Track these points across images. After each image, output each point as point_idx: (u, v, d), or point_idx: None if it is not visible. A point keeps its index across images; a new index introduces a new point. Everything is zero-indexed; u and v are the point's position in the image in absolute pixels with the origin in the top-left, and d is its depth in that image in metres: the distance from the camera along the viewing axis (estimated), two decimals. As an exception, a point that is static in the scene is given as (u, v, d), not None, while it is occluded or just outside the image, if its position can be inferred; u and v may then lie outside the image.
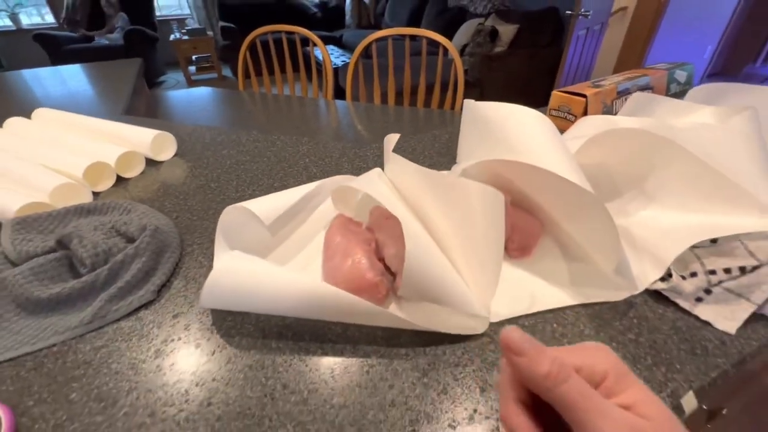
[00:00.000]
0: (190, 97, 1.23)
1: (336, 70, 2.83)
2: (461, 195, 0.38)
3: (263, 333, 0.36)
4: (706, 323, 0.36)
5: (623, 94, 0.73)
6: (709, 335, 0.35)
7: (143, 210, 0.50)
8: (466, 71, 2.64)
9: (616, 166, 0.51)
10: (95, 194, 0.60)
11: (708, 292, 0.37)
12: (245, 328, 0.37)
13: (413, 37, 1.30)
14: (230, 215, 0.43)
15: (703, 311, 0.36)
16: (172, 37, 3.87)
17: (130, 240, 0.44)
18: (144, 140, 0.66)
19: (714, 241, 0.39)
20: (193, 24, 4.20)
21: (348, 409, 0.30)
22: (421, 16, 3.69)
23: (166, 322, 0.38)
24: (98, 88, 1.11)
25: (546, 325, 0.36)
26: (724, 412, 0.55)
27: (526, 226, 0.45)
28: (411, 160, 0.41)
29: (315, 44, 1.36)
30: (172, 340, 0.36)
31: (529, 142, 0.42)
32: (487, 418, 0.29)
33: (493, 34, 2.57)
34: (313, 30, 1.46)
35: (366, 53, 1.38)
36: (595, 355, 0.19)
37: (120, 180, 0.63)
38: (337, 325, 0.37)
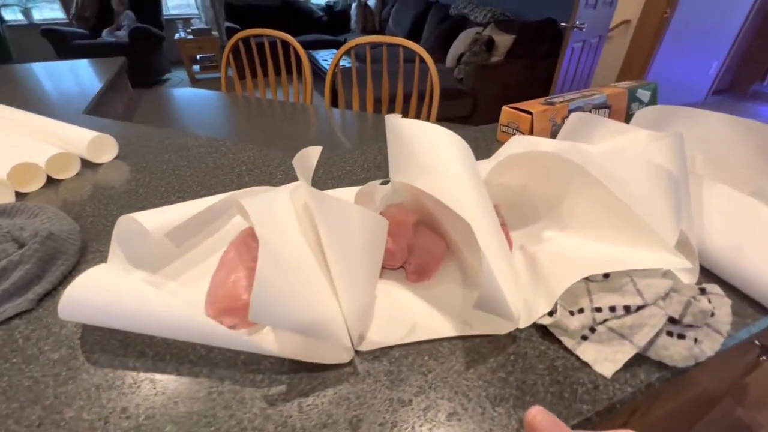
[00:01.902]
0: (173, 97, 1.23)
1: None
2: (345, 218, 0.37)
3: (126, 350, 0.35)
4: (586, 365, 0.34)
5: (575, 111, 0.71)
6: (584, 378, 0.33)
7: (50, 214, 0.49)
8: (461, 80, 2.62)
9: (537, 189, 0.49)
10: (23, 195, 0.60)
11: (592, 330, 0.35)
12: (110, 345, 0.36)
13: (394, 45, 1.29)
14: (126, 225, 0.42)
15: (585, 351, 0.34)
16: (177, 36, 3.92)
17: (22, 246, 0.43)
18: (82, 141, 0.66)
19: (606, 276, 0.37)
20: (199, 24, 4.26)
21: (177, 439, 0.29)
22: (423, 22, 3.70)
23: (37, 333, 0.37)
24: (67, 85, 1.12)
25: (417, 357, 0.35)
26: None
27: (427, 247, 0.43)
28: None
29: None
30: (35, 355, 0.35)
31: (435, 164, 0.40)
32: (318, 457, 0.28)
33: (490, 43, 2.55)
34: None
35: (361, 58, 1.38)
36: None
37: (53, 182, 0.63)
38: (203, 346, 0.36)
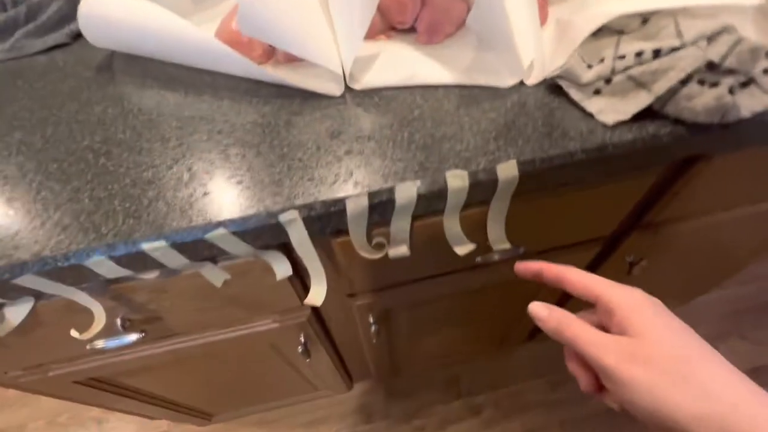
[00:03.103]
0: None
1: None
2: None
3: (144, 75, 0.38)
4: (589, 116, 0.31)
5: None
6: (581, 126, 0.30)
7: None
8: None
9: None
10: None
11: (608, 81, 0.31)
12: (132, 69, 0.39)
13: None
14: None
15: (593, 103, 0.31)
16: None
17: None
18: None
19: (645, 21, 0.31)
20: None
21: (182, 130, 0.32)
22: None
23: (72, 59, 0.41)
24: None
25: (409, 96, 0.34)
26: (643, 263, 0.52)
27: (443, 4, 0.38)
28: None
29: None
30: (73, 72, 0.39)
31: None
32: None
33: None
34: None
35: None
36: (619, 290, 0.21)
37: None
38: (209, 74, 0.37)
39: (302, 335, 0.47)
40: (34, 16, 0.43)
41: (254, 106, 0.34)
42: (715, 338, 0.97)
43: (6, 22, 0.43)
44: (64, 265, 0.25)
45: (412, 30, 0.40)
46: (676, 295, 0.86)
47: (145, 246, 0.26)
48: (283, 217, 0.26)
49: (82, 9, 0.36)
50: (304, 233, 0.28)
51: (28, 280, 0.25)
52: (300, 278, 0.40)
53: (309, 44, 0.32)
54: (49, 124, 0.34)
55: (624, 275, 0.55)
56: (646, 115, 0.30)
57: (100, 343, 0.35)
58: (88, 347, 0.35)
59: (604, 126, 0.30)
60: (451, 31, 0.39)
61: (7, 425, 0.90)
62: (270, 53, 0.38)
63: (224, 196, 0.27)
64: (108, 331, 0.35)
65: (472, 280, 0.46)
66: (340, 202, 0.27)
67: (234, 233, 0.26)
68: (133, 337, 0.35)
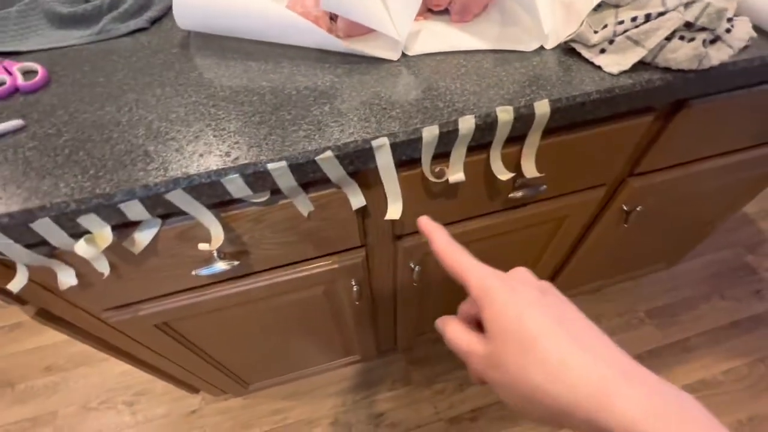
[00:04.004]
0: None
1: None
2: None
3: (223, 50, 0.45)
4: (598, 68, 0.40)
5: None
6: (594, 75, 0.39)
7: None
8: None
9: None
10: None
11: (611, 42, 0.40)
12: (211, 46, 0.46)
13: None
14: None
15: (600, 59, 0.40)
16: None
17: (129, -19, 0.52)
18: None
19: (637, -5, 0.40)
20: None
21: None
22: None
23: (156, 41, 0.48)
24: None
25: (453, 59, 0.42)
26: (638, 209, 0.61)
27: (472, -10, 0.47)
28: None
29: None
30: (162, 49, 0.46)
31: None
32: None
33: None
34: None
35: None
36: (476, 280, 0.21)
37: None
38: (282, 47, 0.44)
39: (354, 279, 0.54)
40: (116, 4, 0.50)
41: (328, 70, 0.41)
42: (699, 299, 1.07)
43: (92, 9, 0.49)
44: (206, 182, 0.32)
45: (445, 12, 0.49)
46: (664, 256, 0.96)
47: (270, 166, 0.32)
48: (375, 143, 0.34)
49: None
50: (390, 157, 0.35)
51: (176, 196, 0.32)
52: (362, 218, 0.47)
53: (375, 17, 0.40)
54: (155, 86, 0.40)
55: (622, 224, 0.64)
56: (641, 66, 0.39)
57: (202, 271, 0.41)
58: (193, 273, 0.41)
59: (611, 75, 0.39)
60: (478, 12, 0.48)
61: (39, 413, 0.92)
62: (331, 28, 0.46)
63: (324, 131, 0.35)
64: (207, 262, 0.41)
65: (506, 219, 0.54)
66: (418, 131, 0.35)
67: (336, 156, 0.34)
68: (226, 266, 0.42)
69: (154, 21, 0.51)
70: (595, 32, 0.41)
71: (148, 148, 0.34)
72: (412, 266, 0.55)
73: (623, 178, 0.57)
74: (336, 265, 0.50)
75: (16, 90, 0.40)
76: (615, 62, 0.39)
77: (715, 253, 1.16)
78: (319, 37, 0.42)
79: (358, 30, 0.44)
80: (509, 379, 0.19)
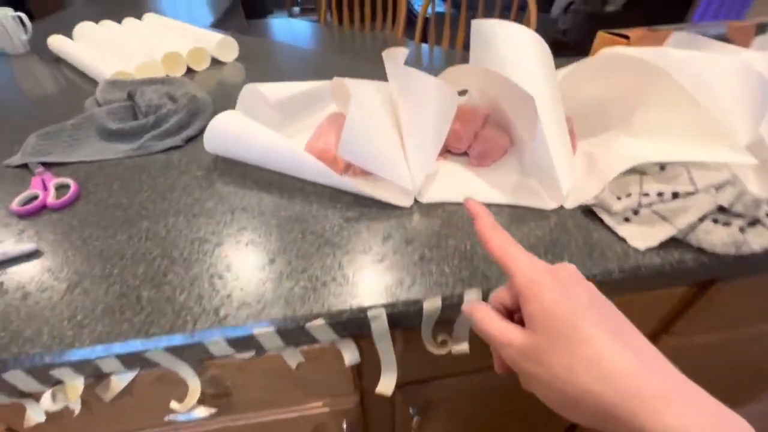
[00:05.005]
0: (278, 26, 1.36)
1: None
2: (421, 88, 0.43)
3: (244, 178, 0.47)
4: (622, 240, 0.37)
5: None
6: (616, 248, 0.36)
7: (193, 86, 0.63)
8: (564, 32, 2.40)
9: (610, 99, 0.50)
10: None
11: (636, 213, 0.37)
12: (234, 171, 0.48)
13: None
14: (249, 91, 0.53)
15: (624, 229, 0.37)
16: (282, -24, 4.07)
17: (175, 102, 0.57)
18: (212, 41, 0.80)
19: (663, 168, 0.38)
20: (303, -35, 4.35)
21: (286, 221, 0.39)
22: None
23: (186, 159, 0.50)
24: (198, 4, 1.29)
25: (464, 211, 0.41)
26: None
27: (492, 138, 0.47)
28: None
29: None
30: (186, 170, 0.48)
31: (515, 61, 0.44)
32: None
33: (607, -11, 2.27)
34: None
35: (456, 4, 1.39)
36: (522, 271, 0.22)
37: (190, 70, 0.78)
38: (299, 181, 0.45)
39: (345, 422, 0.48)
40: (159, 123, 0.54)
41: (339, 212, 0.41)
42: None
43: (137, 127, 0.53)
44: (190, 343, 0.30)
45: (464, 154, 0.49)
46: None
47: (255, 330, 0.31)
48: (371, 313, 0.31)
49: (212, 124, 0.46)
50: (386, 328, 0.32)
51: (156, 354, 0.30)
52: (358, 366, 0.43)
53: (389, 167, 0.41)
54: (170, 215, 0.41)
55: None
56: (671, 242, 0.36)
57: (178, 416, 0.38)
58: (166, 419, 0.38)
59: (636, 250, 0.36)
60: (497, 158, 0.48)
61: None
62: (348, 167, 0.47)
63: (320, 291, 0.33)
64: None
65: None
66: (418, 303, 0.32)
67: (329, 324, 0.31)
68: (205, 413, 0.38)
69: (189, 140, 0.54)
70: (618, 198, 0.39)
71: (141, 293, 0.33)
72: (412, 413, 0.50)
73: (653, 335, 0.51)
74: (327, 409, 0.46)
75: (44, 207, 0.43)
76: (641, 236, 0.37)
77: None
78: (332, 179, 0.43)
79: (374, 171, 0.45)
80: (551, 375, 0.19)
